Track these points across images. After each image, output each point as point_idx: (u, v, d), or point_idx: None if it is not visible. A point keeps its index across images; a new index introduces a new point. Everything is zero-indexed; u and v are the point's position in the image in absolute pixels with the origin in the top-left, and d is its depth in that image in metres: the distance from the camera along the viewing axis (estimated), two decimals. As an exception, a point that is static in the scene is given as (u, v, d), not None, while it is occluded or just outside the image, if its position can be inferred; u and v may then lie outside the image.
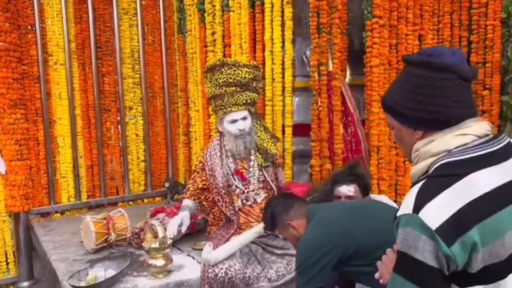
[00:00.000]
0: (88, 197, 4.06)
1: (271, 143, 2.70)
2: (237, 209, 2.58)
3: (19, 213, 3.57)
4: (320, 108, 2.86)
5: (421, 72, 1.13)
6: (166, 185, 4.10)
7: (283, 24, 2.94)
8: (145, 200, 4.29)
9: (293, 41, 2.93)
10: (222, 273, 2.21)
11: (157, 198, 4.32)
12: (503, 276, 1.03)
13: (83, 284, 2.24)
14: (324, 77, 2.82)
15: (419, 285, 1.04)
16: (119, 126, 4.19)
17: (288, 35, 2.89)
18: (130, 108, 4.23)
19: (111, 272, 2.32)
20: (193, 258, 2.64)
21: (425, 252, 1.02)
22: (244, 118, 2.55)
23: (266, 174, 2.66)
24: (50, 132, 3.84)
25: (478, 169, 1.05)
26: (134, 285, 2.28)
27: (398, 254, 1.08)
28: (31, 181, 3.68)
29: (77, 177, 3.97)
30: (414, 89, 1.14)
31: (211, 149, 2.68)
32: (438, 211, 1.02)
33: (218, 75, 2.53)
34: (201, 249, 2.59)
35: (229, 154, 2.63)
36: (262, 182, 2.66)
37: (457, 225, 1.00)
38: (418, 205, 1.03)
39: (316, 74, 2.85)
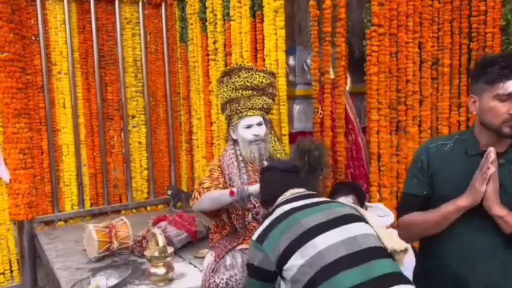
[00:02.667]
0: (91, 205, 4.07)
1: (284, 155, 2.70)
2: (246, 223, 2.52)
3: (23, 221, 3.59)
4: (321, 116, 2.88)
5: (262, 175, 2.01)
6: (169, 192, 4.11)
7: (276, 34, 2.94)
8: (148, 208, 4.30)
9: (287, 50, 2.93)
10: (222, 283, 2.20)
11: (160, 206, 4.34)
12: (310, 239, 1.53)
13: (84, 292, 2.26)
14: (326, 85, 2.84)
15: (255, 279, 1.67)
16: (122, 135, 4.21)
17: (280, 44, 2.89)
18: (133, 117, 4.26)
19: (113, 281, 2.34)
20: (195, 267, 2.65)
21: (254, 259, 1.65)
22: (259, 124, 2.54)
23: None
24: (53, 141, 3.86)
25: (284, 204, 1.74)
26: (136, 294, 2.30)
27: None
28: (35, 189, 3.70)
29: (80, 185, 3.99)
30: (261, 187, 2.01)
31: (227, 158, 2.61)
32: (258, 231, 1.69)
33: (235, 78, 2.54)
34: (203, 258, 2.60)
35: (243, 164, 2.57)
36: None
37: (267, 231, 1.64)
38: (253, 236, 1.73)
39: (317, 83, 2.87)
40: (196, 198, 2.52)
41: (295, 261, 1.51)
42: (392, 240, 1.65)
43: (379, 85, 2.91)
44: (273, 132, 2.76)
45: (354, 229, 1.58)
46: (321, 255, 1.49)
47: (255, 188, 2.29)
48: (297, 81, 3.30)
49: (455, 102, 3.07)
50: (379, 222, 1.95)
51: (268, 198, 1.90)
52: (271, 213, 1.76)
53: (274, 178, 1.90)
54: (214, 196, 2.45)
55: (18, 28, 3.52)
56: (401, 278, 1.50)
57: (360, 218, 1.69)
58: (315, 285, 1.46)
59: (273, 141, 2.69)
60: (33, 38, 3.74)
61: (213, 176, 2.57)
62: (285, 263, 1.54)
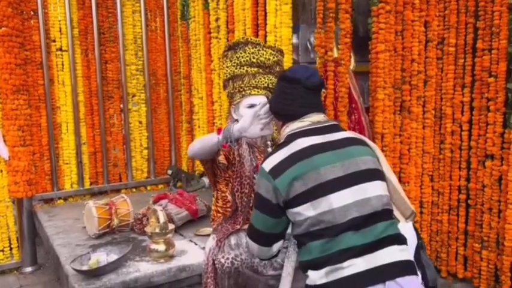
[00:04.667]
0: (91, 183, 4.07)
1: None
2: (251, 204, 2.37)
3: (22, 199, 3.57)
4: (324, 95, 2.83)
5: (280, 83, 1.75)
6: (169, 172, 4.10)
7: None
8: (148, 187, 4.30)
9: (293, 27, 2.87)
10: (228, 263, 2.14)
11: (160, 186, 4.33)
12: (325, 194, 1.51)
13: (85, 268, 2.24)
14: (329, 63, 2.80)
15: (260, 211, 1.66)
16: (122, 114, 4.18)
17: (284, 19, 2.82)
18: (134, 95, 4.22)
19: (114, 257, 2.32)
20: (196, 244, 2.64)
21: (262, 188, 1.62)
22: (263, 104, 2.42)
23: None
24: (52, 119, 3.84)
25: (303, 136, 1.62)
26: (136, 270, 2.29)
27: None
28: (34, 167, 3.68)
29: (79, 163, 3.98)
30: (276, 95, 1.78)
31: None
32: (272, 160, 1.60)
33: (241, 53, 2.36)
34: (204, 236, 2.58)
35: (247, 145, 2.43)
36: None
37: (281, 166, 1.57)
38: (265, 159, 1.65)
39: (320, 60, 2.82)
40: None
41: (306, 212, 1.53)
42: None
43: (384, 63, 2.87)
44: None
45: (368, 190, 1.57)
46: (333, 214, 1.50)
47: (238, 126, 2.01)
48: (300, 60, 3.26)
49: (459, 82, 3.03)
50: None
51: (282, 113, 1.75)
52: (287, 142, 1.64)
53: (297, 94, 1.69)
54: (203, 137, 2.28)
55: (16, 3, 3.46)
56: (399, 239, 1.58)
57: (378, 175, 1.65)
58: (317, 239, 1.51)
59: (276, 123, 2.57)
60: (32, 13, 3.68)
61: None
62: (294, 206, 1.56)
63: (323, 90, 1.90)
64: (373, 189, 1.58)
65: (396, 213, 1.73)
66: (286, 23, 2.81)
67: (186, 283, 2.39)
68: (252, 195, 2.37)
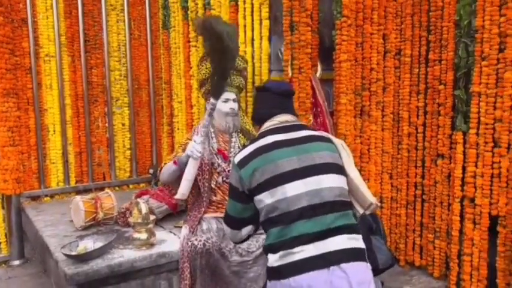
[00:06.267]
0: (76, 182, 4.28)
1: (249, 126, 3.00)
2: (213, 186, 2.79)
3: (11, 196, 3.77)
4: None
5: (256, 94, 2.09)
6: (151, 171, 4.32)
7: (260, 23, 3.18)
8: (131, 186, 4.54)
9: (269, 38, 3.17)
10: (200, 245, 2.44)
11: (142, 184, 4.57)
12: (281, 184, 1.71)
13: (74, 253, 2.48)
14: (295, 70, 3.09)
15: (231, 198, 1.91)
16: (106, 116, 4.41)
17: (265, 32, 3.13)
18: (117, 99, 4.45)
19: (100, 244, 2.55)
20: (175, 234, 2.90)
21: (232, 178, 1.87)
22: (234, 100, 2.84)
23: None
24: (40, 120, 4.05)
25: (271, 134, 1.85)
26: (121, 256, 2.53)
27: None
28: (22, 166, 3.88)
29: (66, 163, 4.19)
30: (253, 107, 2.11)
31: (198, 129, 2.84)
32: (241, 153, 1.86)
33: None
34: (181, 227, 2.83)
35: (213, 135, 2.86)
36: None
37: (247, 159, 1.81)
38: (237, 153, 1.90)
39: (289, 69, 3.11)
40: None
41: (265, 199, 1.73)
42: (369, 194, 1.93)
43: (346, 72, 3.18)
44: (241, 108, 3.05)
45: (322, 182, 1.73)
46: (287, 202, 1.69)
47: (186, 152, 2.67)
48: (272, 68, 3.54)
49: (414, 89, 3.36)
50: None
51: (257, 116, 2.04)
52: (256, 139, 1.88)
53: (268, 98, 1.98)
54: (166, 167, 2.78)
55: (7, 12, 3.67)
56: (351, 228, 1.73)
57: (334, 169, 1.79)
58: (275, 225, 1.71)
59: (242, 116, 3.00)
60: (22, 21, 3.89)
61: (176, 152, 2.89)
62: (256, 194, 1.77)
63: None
64: (326, 181, 1.73)
65: (355, 204, 1.91)
66: (266, 35, 3.11)
67: (166, 268, 2.63)
68: (212, 179, 2.83)
